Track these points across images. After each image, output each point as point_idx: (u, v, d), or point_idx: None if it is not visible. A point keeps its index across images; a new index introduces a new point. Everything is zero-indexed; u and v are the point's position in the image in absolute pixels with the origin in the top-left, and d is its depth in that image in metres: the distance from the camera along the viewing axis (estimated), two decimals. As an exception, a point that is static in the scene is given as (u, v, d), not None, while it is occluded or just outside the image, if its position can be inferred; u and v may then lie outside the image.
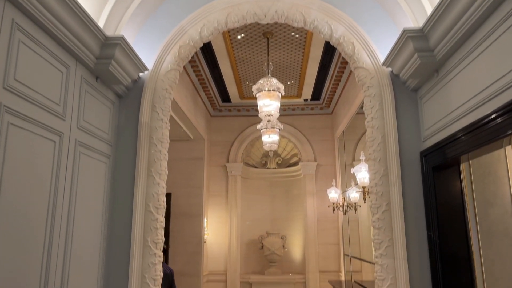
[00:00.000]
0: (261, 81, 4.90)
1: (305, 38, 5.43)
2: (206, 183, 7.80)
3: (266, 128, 5.96)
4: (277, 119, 5.85)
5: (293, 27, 5.12)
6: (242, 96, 7.70)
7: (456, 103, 2.77)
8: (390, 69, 3.41)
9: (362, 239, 6.44)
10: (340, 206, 6.95)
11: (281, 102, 5.13)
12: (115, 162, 3.38)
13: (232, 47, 5.68)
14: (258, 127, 5.99)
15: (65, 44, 2.61)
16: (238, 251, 7.90)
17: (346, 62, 5.98)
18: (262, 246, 8.02)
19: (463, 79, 2.69)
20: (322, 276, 7.63)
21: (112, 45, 2.92)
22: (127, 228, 3.25)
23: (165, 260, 6.36)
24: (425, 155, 3.20)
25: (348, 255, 6.85)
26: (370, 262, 5.67)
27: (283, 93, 4.95)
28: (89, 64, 2.90)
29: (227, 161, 8.21)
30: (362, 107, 6.26)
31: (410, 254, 3.11)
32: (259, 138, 7.89)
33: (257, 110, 5.11)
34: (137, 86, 3.52)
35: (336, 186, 7.02)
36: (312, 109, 8.16)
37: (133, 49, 3.15)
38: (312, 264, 7.73)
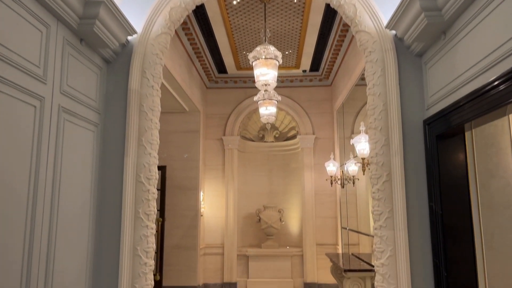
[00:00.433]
0: (257, 48, 4.68)
1: (304, 3, 5.18)
2: (202, 156, 7.68)
3: (264, 99, 5.77)
4: (275, 90, 5.67)
5: (292, -8, 4.87)
6: (238, 67, 7.47)
7: (462, 68, 2.61)
8: (393, 32, 3.21)
9: (359, 213, 6.38)
10: (338, 180, 6.86)
11: (278, 74, 4.93)
12: (103, 131, 3.22)
13: (228, 13, 5.43)
14: (255, 98, 5.81)
15: (43, 1, 2.40)
16: (235, 224, 7.86)
17: (347, 30, 5.75)
18: (259, 220, 7.98)
19: (471, 42, 2.52)
20: (319, 249, 7.63)
21: (95, 4, 2.71)
22: (117, 199, 3.13)
23: (161, 234, 6.31)
24: (429, 123, 3.05)
25: (346, 228, 6.81)
26: (367, 235, 5.62)
27: (280, 62, 4.74)
28: (72, 25, 2.70)
29: (224, 134, 8.06)
30: (362, 78, 6.08)
31: (411, 225, 3.01)
32: (256, 110, 7.72)
33: (254, 81, 4.91)
34: (126, 51, 3.33)
35: (334, 159, 6.91)
36: (310, 80, 7.95)
37: (119, 9, 2.94)
38: (309, 237, 7.71)
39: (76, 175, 2.83)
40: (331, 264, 6.23)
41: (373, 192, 3.16)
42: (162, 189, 6.36)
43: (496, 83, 2.21)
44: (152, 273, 3.21)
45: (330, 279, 7.40)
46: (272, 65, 4.73)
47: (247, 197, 8.28)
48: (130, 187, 3.14)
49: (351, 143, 4.90)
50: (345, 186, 6.65)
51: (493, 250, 4.51)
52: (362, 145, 4.43)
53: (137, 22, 3.32)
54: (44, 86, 2.46)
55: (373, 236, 3.20)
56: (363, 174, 4.85)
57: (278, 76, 4.95)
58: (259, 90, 5.73)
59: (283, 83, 7.83)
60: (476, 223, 3.50)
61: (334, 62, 7.03)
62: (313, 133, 7.94)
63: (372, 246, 5.76)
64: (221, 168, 8.02)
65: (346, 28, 5.68)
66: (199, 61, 6.97)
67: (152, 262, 3.19)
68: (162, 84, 5.56)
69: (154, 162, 3.29)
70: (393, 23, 3.07)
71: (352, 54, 6.09)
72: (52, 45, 2.55)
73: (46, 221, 2.46)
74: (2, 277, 2.08)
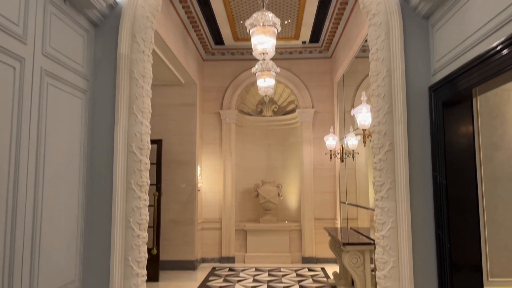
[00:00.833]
0: (255, 15, 4.45)
1: (304, -32, 4.92)
2: (199, 130, 7.53)
3: (262, 71, 5.58)
4: (273, 62, 5.47)
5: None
6: (236, 38, 7.22)
7: (472, 28, 2.44)
8: (399, -9, 3.01)
9: (359, 187, 6.29)
10: (338, 154, 6.74)
11: (277, 45, 4.72)
12: (92, 99, 3.06)
13: (224, -21, 5.17)
14: (253, 70, 5.62)
15: (20, -48, 2.21)
16: (233, 199, 7.80)
17: (348, -3, 5.51)
18: (257, 195, 7.91)
19: (481, 0, 2.33)
20: (317, 223, 7.59)
21: (78, -42, 2.51)
22: (108, 170, 3.01)
23: (158, 208, 6.23)
24: (435, 89, 2.89)
25: (345, 203, 6.74)
26: (367, 208, 5.54)
27: (279, 29, 4.52)
28: (54, -19, 2.50)
29: (221, 108, 7.89)
30: (364, 50, 5.87)
31: (413, 196, 2.90)
32: (254, 84, 7.53)
33: (252, 53, 4.70)
34: (114, 14, 3.13)
35: (334, 133, 6.77)
36: (310, 52, 7.73)
37: (106, -35, 2.73)
38: (307, 212, 7.66)
39: (63, 143, 2.69)
40: (329, 238, 6.19)
41: (375, 162, 3.03)
42: (158, 163, 6.24)
43: (507, 43, 2.05)
44: (145, 246, 3.11)
45: (328, 254, 7.39)
46: (270, 33, 4.52)
47: (245, 172, 8.19)
48: (121, 157, 3.01)
49: (351, 114, 4.74)
50: (344, 160, 6.54)
51: (495, 223, 4.41)
52: (363, 115, 4.28)
53: (126, -19, 3.11)
54: (24, 47, 2.29)
55: (372, 210, 3.12)
56: (364, 145, 4.72)
57: (277, 48, 4.74)
58: (257, 62, 5.55)
59: (281, 55, 7.61)
60: (479, 195, 3.39)
61: (335, 32, 6.80)
62: (313, 107, 7.78)
63: (371, 221, 5.70)
64: (218, 143, 7.89)
65: (347, -5, 5.44)
66: (195, 31, 6.73)
67: (145, 235, 3.10)
68: (156, 54, 5.36)
69: (146, 131, 3.14)
70: (399, -19, 2.87)
71: (353, 24, 5.87)
72: (33, 3, 2.37)
73: (31, 193, 2.33)
74: (-18, 247, 1.97)
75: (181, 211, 7.07)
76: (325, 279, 6.40)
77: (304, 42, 7.44)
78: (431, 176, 2.93)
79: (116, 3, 3.12)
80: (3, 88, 2.13)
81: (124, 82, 3.05)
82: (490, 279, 3.98)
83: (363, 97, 4.45)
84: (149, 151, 3.19)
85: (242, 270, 7.06)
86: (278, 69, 5.60)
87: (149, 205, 3.30)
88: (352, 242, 4.79)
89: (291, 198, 8.27)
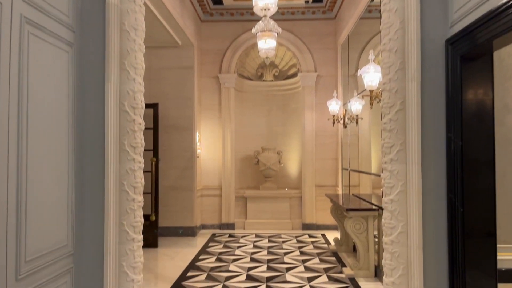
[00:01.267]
0: (256, -32, 4.14)
1: None
2: (197, 95, 7.29)
3: (263, 31, 5.28)
4: (275, 22, 5.17)
5: None
6: (235, -3, 6.86)
7: (499, -28, 2.17)
8: None
9: (361, 153, 6.13)
10: (341, 119, 6.54)
11: (279, 4, 4.44)
12: (80, 53, 2.82)
13: None
14: (253, 30, 5.31)
15: None
16: (233, 166, 7.66)
17: (356, -50, 5.13)
18: (258, 162, 7.77)
19: None
20: (318, 190, 7.49)
21: None
22: (100, 130, 2.81)
23: (156, 174, 6.08)
24: (452, 42, 2.65)
25: (347, 169, 6.60)
26: (370, 173, 5.39)
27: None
28: None
29: (220, 72, 7.61)
30: (369, 10, 5.55)
31: (425, 158, 2.72)
32: (254, 46, 7.24)
33: (252, 13, 4.40)
34: (102, -42, 2.84)
35: (337, 97, 6.54)
36: (313, 13, 7.37)
37: None
38: (308, 178, 7.54)
39: (48, 99, 2.47)
40: (330, 205, 6.08)
41: (384, 123, 2.84)
42: (155, 127, 6.03)
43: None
44: (141, 210, 2.96)
45: (329, 220, 7.32)
46: (272, -13, 4.23)
47: (245, 138, 8.01)
48: (113, 117, 2.80)
49: (358, 74, 4.50)
50: (347, 125, 6.35)
51: (503, 187, 4.26)
52: (370, 75, 4.04)
53: None
54: (-2, -12, 2.03)
55: (375, 175, 2.99)
56: (371, 108, 4.50)
57: (278, 8, 4.46)
58: (257, 23, 5.25)
59: (283, 16, 7.26)
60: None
61: (340, -9, 6.45)
62: (315, 71, 7.51)
63: (373, 188, 5.57)
64: (217, 108, 7.67)
65: None
66: (192, -11, 6.37)
67: (141, 199, 2.94)
68: (150, 11, 5.05)
69: (140, 89, 2.93)
70: None
71: (360, -20, 5.51)
72: None
73: (13, 160, 2.14)
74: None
75: (180, 178, 6.94)
76: (326, 245, 6.35)
77: (307, 2, 7.08)
78: (444, 137, 2.74)
79: None
80: (-25, 34, 1.90)
81: (114, 34, 2.81)
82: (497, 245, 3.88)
83: (371, 56, 4.19)
84: (143, 111, 2.99)
85: (242, 236, 7.02)
86: (279, 29, 5.29)
87: (147, 171, 3.14)
88: (355, 208, 4.67)
89: (292, 165, 8.14)
